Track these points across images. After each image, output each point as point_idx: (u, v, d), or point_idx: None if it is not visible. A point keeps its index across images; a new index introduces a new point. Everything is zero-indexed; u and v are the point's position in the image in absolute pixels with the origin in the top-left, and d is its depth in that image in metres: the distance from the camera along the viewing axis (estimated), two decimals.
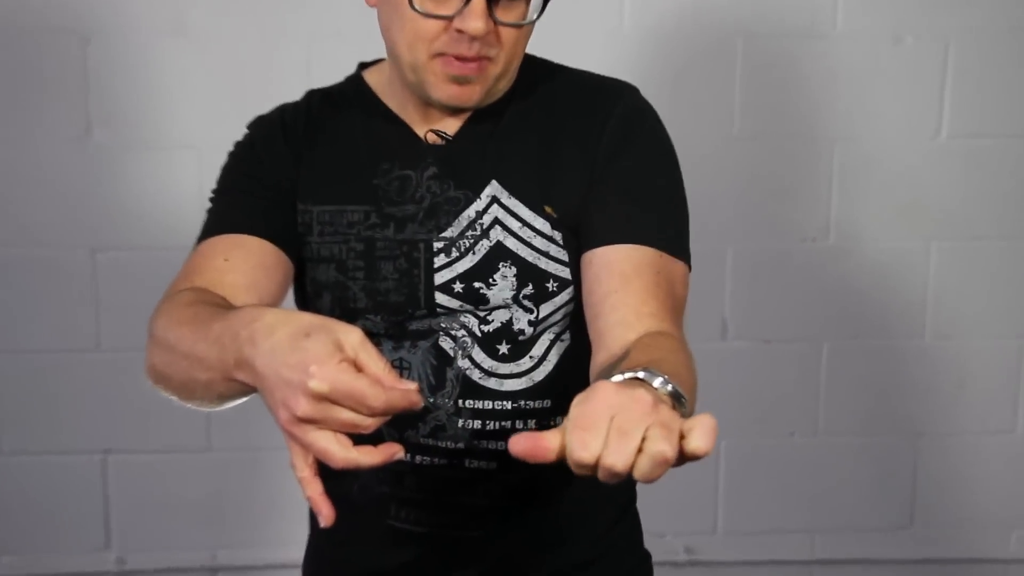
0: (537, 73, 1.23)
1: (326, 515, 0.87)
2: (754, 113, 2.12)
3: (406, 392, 0.83)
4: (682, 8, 2.08)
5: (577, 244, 1.17)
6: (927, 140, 2.15)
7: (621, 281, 1.10)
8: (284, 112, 1.26)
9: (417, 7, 1.10)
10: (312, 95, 1.27)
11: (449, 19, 1.10)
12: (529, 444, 0.78)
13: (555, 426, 1.20)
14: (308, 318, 0.84)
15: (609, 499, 1.30)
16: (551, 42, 1.28)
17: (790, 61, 2.11)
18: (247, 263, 1.16)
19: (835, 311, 2.19)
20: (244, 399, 0.98)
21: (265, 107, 1.28)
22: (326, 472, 1.34)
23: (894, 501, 2.27)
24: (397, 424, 1.20)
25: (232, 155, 1.25)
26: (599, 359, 1.08)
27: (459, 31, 1.10)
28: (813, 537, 2.27)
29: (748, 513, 2.25)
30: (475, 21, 1.09)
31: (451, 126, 1.21)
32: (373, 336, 1.20)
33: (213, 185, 1.25)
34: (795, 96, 2.13)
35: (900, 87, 2.13)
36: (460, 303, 1.18)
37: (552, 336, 1.21)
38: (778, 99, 2.13)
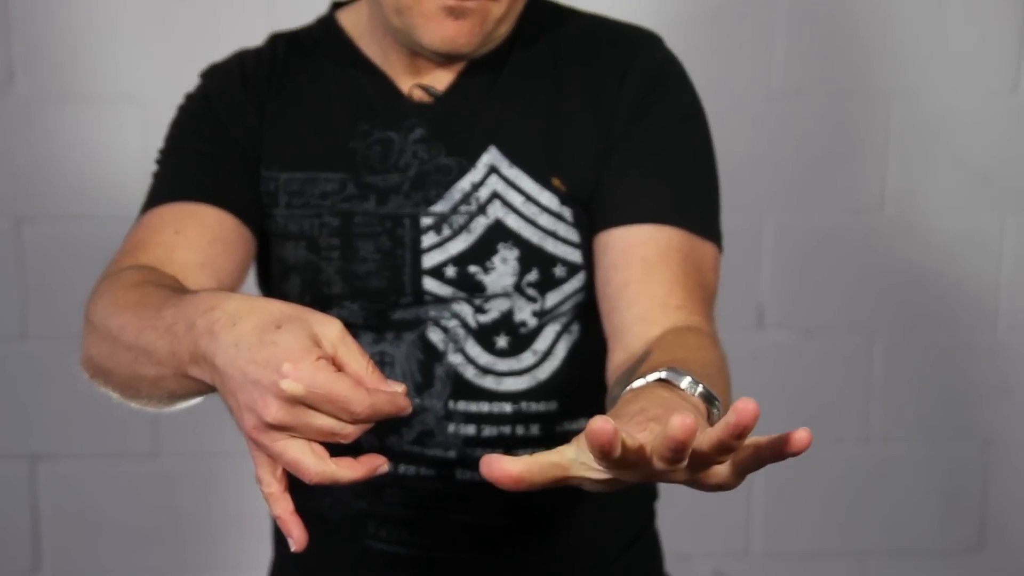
0: (542, 17, 1.24)
1: (298, 538, 0.88)
2: (798, 62, 2.12)
3: (393, 395, 0.83)
4: None
5: (589, 222, 1.18)
6: (1004, 94, 2.15)
7: (643, 269, 1.11)
8: (244, 59, 1.26)
9: None
10: (277, 40, 1.28)
11: None
12: (495, 467, 0.69)
13: (563, 432, 1.22)
14: (278, 307, 0.85)
15: (624, 518, 1.31)
16: None
17: (842, 0, 2.11)
18: (202, 237, 1.16)
19: (891, 298, 2.20)
20: (198, 400, 0.99)
21: (221, 52, 1.29)
22: (293, 485, 1.35)
23: (960, 519, 2.28)
24: (377, 429, 1.21)
25: (182, 109, 1.26)
26: (617, 358, 1.09)
27: None
28: (863, 561, 2.28)
29: (787, 532, 2.26)
30: None
31: (441, 80, 1.21)
32: (351, 327, 1.21)
33: (160, 144, 1.25)
34: (847, 42, 2.13)
35: (971, 31, 2.13)
36: (452, 290, 1.18)
37: (558, 327, 1.21)
38: (826, 46, 2.13)
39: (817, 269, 2.19)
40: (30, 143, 2.05)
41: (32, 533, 2.15)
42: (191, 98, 1.26)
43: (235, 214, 1.19)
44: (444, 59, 1.18)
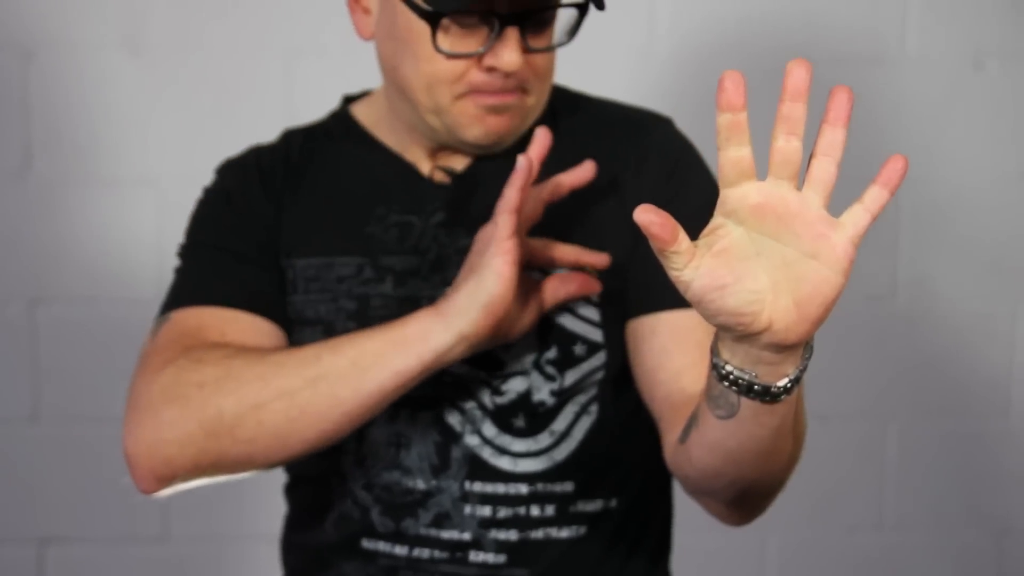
0: (557, 103, 1.25)
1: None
2: (808, 150, 2.13)
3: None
4: (723, 28, 2.10)
5: (613, 303, 1.18)
6: (1015, 182, 2.16)
7: (700, 353, 1.11)
8: (259, 156, 1.27)
9: (441, 47, 1.12)
10: (291, 137, 1.29)
11: (478, 56, 1.12)
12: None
13: (577, 513, 1.21)
14: None
15: None
16: (570, 63, 1.30)
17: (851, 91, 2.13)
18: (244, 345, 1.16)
19: (904, 384, 2.19)
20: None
21: (236, 137, 1.30)
22: (314, 564, 1.33)
23: None
24: (394, 514, 1.20)
25: (204, 204, 1.26)
26: (677, 430, 1.09)
27: (491, 68, 1.12)
28: None
29: None
30: (510, 54, 1.11)
31: (459, 162, 1.22)
32: None
33: (175, 227, 1.25)
34: (857, 131, 2.13)
35: (982, 120, 2.14)
36: (470, 368, 1.18)
37: (577, 408, 1.21)
38: None
39: (830, 355, 2.18)
40: (47, 225, 2.06)
41: None
42: (211, 194, 1.26)
43: (270, 318, 1.20)
44: (481, 151, 1.20)
